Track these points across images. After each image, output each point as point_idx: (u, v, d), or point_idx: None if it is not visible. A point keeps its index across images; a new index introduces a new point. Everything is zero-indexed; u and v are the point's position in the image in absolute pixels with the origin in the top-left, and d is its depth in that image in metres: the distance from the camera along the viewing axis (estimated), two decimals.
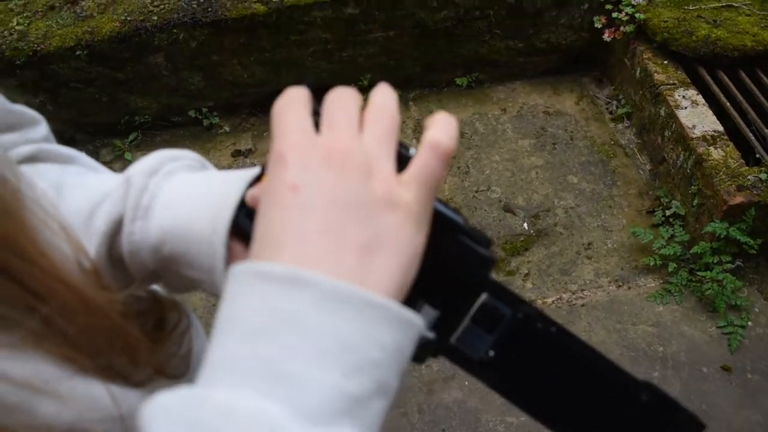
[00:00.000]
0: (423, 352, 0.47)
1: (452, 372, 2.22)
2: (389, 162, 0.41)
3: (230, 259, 0.52)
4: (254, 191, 0.49)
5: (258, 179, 0.53)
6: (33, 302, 0.43)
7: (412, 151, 0.46)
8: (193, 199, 0.54)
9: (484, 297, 0.49)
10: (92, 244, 0.53)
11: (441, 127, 0.44)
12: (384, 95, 0.46)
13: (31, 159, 0.61)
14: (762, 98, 2.67)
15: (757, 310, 2.36)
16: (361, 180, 0.38)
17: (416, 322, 0.38)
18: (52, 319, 0.44)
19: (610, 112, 3.12)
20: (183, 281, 0.56)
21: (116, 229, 0.54)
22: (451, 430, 2.09)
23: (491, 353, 0.50)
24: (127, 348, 0.50)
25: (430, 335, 0.47)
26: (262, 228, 0.39)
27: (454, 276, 0.46)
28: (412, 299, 0.45)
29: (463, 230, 0.45)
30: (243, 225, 0.52)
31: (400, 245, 0.38)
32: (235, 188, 0.52)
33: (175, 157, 0.59)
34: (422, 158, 0.42)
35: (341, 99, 0.44)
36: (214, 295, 0.53)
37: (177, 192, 0.54)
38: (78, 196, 0.56)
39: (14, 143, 0.62)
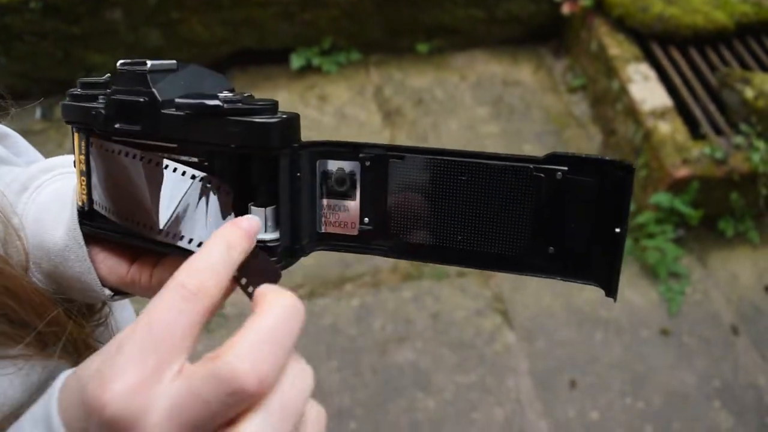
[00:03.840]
0: (284, 255, 0.43)
1: (405, 333, 2.29)
2: None
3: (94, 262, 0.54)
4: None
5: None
6: None
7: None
8: (55, 212, 0.54)
9: (324, 164, 0.45)
10: None
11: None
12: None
13: None
14: (710, 76, 2.77)
15: (695, 277, 2.48)
16: None
17: None
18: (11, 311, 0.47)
19: (566, 84, 3.19)
20: (74, 294, 0.57)
21: None
22: (402, 390, 2.17)
23: (366, 220, 0.46)
24: (56, 328, 0.52)
25: (273, 236, 0.43)
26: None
27: (253, 156, 0.42)
28: (241, 209, 0.43)
29: (228, 112, 0.40)
30: (83, 231, 0.52)
31: None
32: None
33: (49, 169, 0.59)
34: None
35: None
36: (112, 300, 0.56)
37: (42, 207, 0.55)
38: None
39: None
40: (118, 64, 0.45)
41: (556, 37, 3.34)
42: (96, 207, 0.50)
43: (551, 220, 0.41)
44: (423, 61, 3.27)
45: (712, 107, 2.66)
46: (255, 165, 0.42)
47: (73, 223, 0.52)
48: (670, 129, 2.54)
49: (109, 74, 0.49)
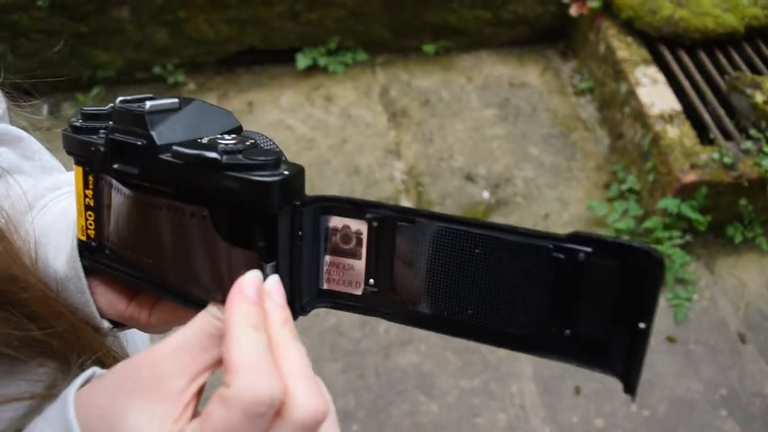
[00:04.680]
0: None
1: (409, 336, 2.27)
2: None
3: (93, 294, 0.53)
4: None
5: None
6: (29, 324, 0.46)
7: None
8: (57, 238, 0.54)
9: (328, 220, 0.43)
10: None
11: (307, 389, 0.37)
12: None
13: None
14: (719, 80, 2.74)
15: (702, 284, 2.46)
16: None
17: None
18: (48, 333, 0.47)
19: (573, 86, 3.17)
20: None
21: None
22: (406, 393, 2.16)
23: (371, 282, 0.43)
24: (86, 341, 0.52)
25: None
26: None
27: (254, 213, 0.39)
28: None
29: (226, 166, 0.38)
30: (83, 264, 0.51)
31: None
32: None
33: (55, 187, 0.59)
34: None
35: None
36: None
37: (44, 231, 0.54)
38: None
39: None
40: (117, 101, 0.43)
41: (563, 39, 3.32)
42: (107, 243, 0.48)
43: (570, 302, 0.38)
44: (429, 62, 3.25)
45: (721, 111, 2.64)
46: (254, 221, 0.40)
47: (73, 253, 0.52)
48: (678, 133, 2.52)
49: (112, 105, 0.47)
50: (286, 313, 0.39)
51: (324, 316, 2.31)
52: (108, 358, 0.53)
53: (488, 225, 0.39)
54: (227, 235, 0.40)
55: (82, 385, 0.40)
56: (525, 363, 2.22)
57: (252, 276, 0.39)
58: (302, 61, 3.09)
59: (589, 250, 0.37)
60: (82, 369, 0.50)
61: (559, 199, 2.71)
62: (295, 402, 0.36)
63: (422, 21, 3.15)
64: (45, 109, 2.90)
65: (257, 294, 0.38)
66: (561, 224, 2.62)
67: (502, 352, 2.24)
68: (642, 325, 0.36)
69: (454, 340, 2.24)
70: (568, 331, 0.38)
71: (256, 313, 0.37)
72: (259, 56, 3.11)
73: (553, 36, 3.32)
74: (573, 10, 3.07)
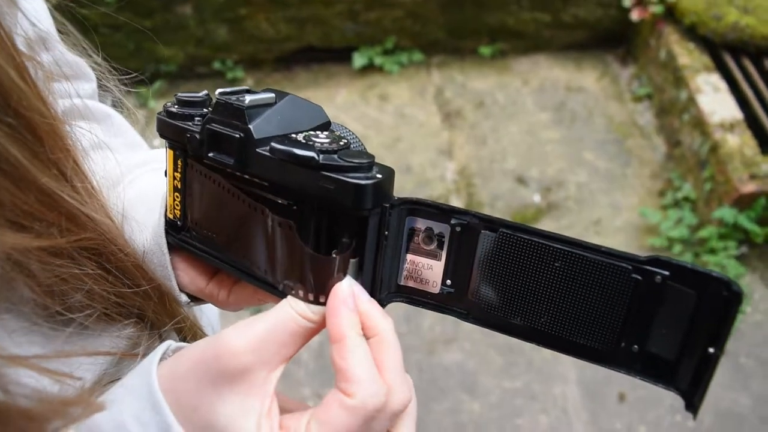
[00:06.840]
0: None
1: (453, 334, 2.29)
2: None
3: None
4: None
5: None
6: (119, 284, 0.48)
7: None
8: (142, 213, 0.55)
9: (413, 221, 0.44)
10: None
11: (401, 382, 0.41)
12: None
13: (70, 113, 0.63)
14: None
15: (757, 297, 2.40)
16: None
17: None
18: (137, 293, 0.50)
19: (631, 92, 3.13)
20: None
21: None
22: (448, 390, 2.17)
23: (448, 282, 0.45)
24: (171, 308, 0.55)
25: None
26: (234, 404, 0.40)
27: (341, 211, 0.41)
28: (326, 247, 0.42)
29: (322, 166, 0.39)
30: (168, 240, 0.53)
31: None
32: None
33: (142, 163, 0.61)
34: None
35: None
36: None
37: (130, 205, 0.56)
38: None
39: (60, 94, 0.63)
40: (217, 92, 0.45)
41: (623, 43, 3.28)
42: (191, 225, 0.51)
43: (642, 320, 0.40)
44: (485, 63, 3.26)
45: None
46: (343, 219, 0.42)
47: (159, 229, 0.54)
48: (738, 142, 2.46)
49: (206, 92, 0.49)
50: (380, 308, 0.43)
51: None
52: (187, 323, 0.56)
53: (571, 241, 0.41)
54: (316, 236, 0.42)
55: (161, 359, 0.43)
56: (569, 366, 2.21)
57: (349, 283, 0.42)
58: (358, 60, 3.13)
59: (666, 273, 0.39)
60: (161, 337, 0.53)
61: (611, 205, 2.68)
62: (392, 396, 0.40)
63: (479, 23, 3.15)
64: (109, 100, 3.00)
65: (355, 301, 0.41)
66: (612, 230, 2.59)
67: (546, 354, 2.23)
68: (712, 350, 0.37)
69: (499, 339, 2.25)
70: (636, 347, 0.40)
71: (359, 321, 0.41)
72: (317, 55, 3.17)
73: (612, 40, 3.28)
74: (634, 15, 3.03)
